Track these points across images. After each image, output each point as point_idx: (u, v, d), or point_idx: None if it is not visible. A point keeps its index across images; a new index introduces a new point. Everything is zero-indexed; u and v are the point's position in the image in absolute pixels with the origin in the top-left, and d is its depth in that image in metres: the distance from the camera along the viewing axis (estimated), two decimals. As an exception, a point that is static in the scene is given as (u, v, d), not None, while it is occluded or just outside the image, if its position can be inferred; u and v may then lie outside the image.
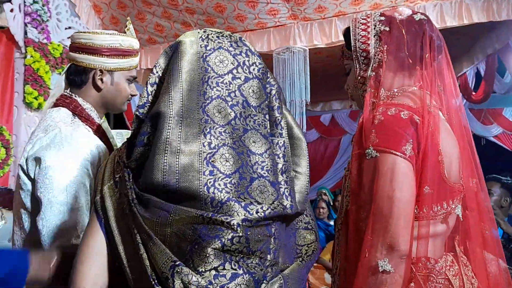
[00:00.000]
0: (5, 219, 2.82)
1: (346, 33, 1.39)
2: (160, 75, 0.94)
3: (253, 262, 0.81)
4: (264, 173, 0.86)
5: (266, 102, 0.93)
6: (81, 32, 1.52)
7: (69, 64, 1.53)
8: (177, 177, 0.82)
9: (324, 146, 8.55)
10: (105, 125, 1.53)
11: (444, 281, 1.19)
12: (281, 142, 0.92)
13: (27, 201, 1.37)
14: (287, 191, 0.87)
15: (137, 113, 0.92)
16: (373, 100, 1.27)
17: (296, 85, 4.24)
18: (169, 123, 0.85)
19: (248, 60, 0.94)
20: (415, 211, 1.16)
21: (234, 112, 0.89)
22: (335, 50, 3.78)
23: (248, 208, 0.81)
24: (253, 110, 0.91)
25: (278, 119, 0.93)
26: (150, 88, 0.93)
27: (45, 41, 3.75)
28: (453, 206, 1.23)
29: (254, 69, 0.94)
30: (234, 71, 0.92)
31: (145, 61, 4.86)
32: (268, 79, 0.95)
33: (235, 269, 0.79)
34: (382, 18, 1.33)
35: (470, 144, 1.31)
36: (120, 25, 4.46)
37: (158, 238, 0.82)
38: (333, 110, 8.05)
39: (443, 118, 1.28)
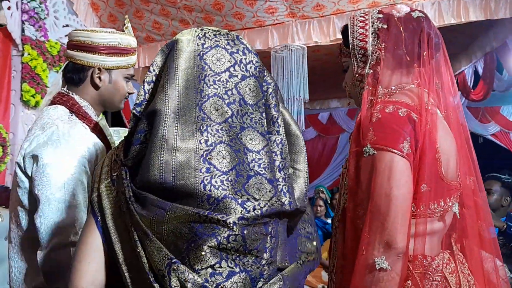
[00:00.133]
0: (1, 217, 2.82)
1: (344, 30, 1.39)
2: (157, 73, 0.94)
3: (249, 260, 0.81)
4: (261, 171, 0.86)
5: (263, 100, 0.93)
6: (79, 30, 1.51)
7: (67, 62, 1.53)
8: (173, 174, 0.82)
9: (322, 145, 8.56)
10: (103, 122, 1.53)
11: (441, 278, 1.19)
12: (278, 140, 0.92)
13: (24, 199, 1.37)
14: (285, 188, 0.87)
15: (134, 111, 0.93)
16: (371, 98, 1.28)
17: (294, 83, 4.24)
18: (165, 120, 0.85)
19: (245, 58, 0.94)
20: (412, 208, 1.17)
21: (231, 110, 0.89)
22: (333, 48, 3.79)
23: (245, 205, 0.81)
24: (250, 108, 0.91)
25: (275, 117, 0.93)
26: (147, 87, 0.94)
27: (42, 39, 3.74)
28: (450, 204, 1.24)
29: (251, 67, 0.94)
30: (231, 69, 0.92)
31: (143, 59, 4.85)
32: (265, 77, 0.95)
33: (232, 267, 0.79)
34: (380, 15, 1.33)
35: (468, 142, 1.31)
36: (118, 23, 4.45)
37: (155, 236, 0.82)
38: (331, 108, 8.06)
39: (440, 116, 1.28)
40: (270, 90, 0.95)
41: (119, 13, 4.44)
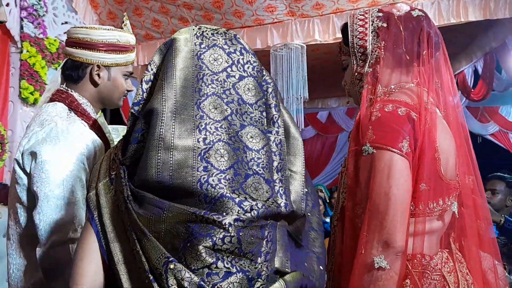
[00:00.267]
0: (0, 214, 2.81)
1: (344, 29, 1.38)
2: (155, 72, 0.94)
3: (245, 263, 0.80)
4: (260, 170, 0.85)
5: (263, 99, 0.93)
6: (78, 27, 1.51)
7: (66, 59, 1.53)
8: (170, 173, 0.82)
9: (321, 144, 8.55)
10: (101, 120, 1.53)
11: (439, 277, 1.19)
12: (277, 140, 0.91)
13: (23, 196, 1.37)
14: (281, 190, 0.87)
15: (132, 110, 0.92)
16: (370, 97, 1.27)
17: (294, 82, 4.24)
18: (162, 119, 0.84)
19: (242, 59, 0.94)
20: (411, 207, 1.16)
21: (230, 109, 0.88)
22: (332, 47, 3.78)
23: (242, 205, 0.81)
24: (250, 107, 0.90)
25: (276, 117, 0.93)
26: (145, 86, 0.93)
27: (41, 36, 3.73)
28: (449, 203, 1.24)
29: (248, 68, 0.94)
30: (229, 69, 0.92)
31: (142, 57, 4.84)
32: (263, 77, 0.95)
33: (228, 268, 0.79)
34: (380, 14, 1.33)
35: (467, 141, 1.31)
36: (117, 21, 4.44)
37: (153, 235, 0.81)
38: (330, 107, 8.05)
39: (440, 115, 1.28)
40: (270, 90, 0.94)
41: (118, 11, 4.43)
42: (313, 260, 0.94)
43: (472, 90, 5.87)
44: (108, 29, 1.49)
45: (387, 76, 1.29)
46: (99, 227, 0.89)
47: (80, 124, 1.42)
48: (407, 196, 1.14)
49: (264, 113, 0.92)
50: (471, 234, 1.29)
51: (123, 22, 1.58)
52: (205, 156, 0.83)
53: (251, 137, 0.87)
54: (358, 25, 1.34)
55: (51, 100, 1.49)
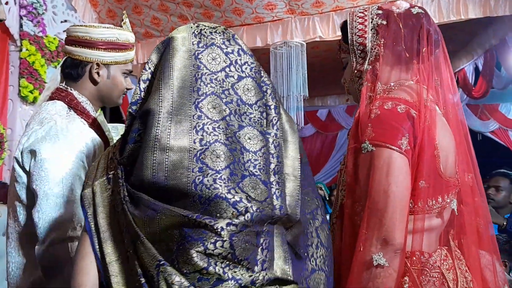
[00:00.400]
0: None
1: (344, 26, 1.38)
2: (153, 71, 0.93)
3: (240, 271, 0.78)
4: (256, 172, 0.84)
5: (263, 100, 0.92)
6: (78, 26, 1.52)
7: (65, 57, 1.53)
8: (166, 174, 0.81)
9: (321, 142, 8.54)
10: (101, 118, 1.53)
11: (438, 275, 1.19)
12: (276, 142, 0.90)
13: (22, 194, 1.37)
14: (278, 192, 0.85)
15: (130, 110, 0.92)
16: (370, 94, 1.27)
17: (294, 80, 4.23)
18: (158, 120, 0.84)
19: (240, 59, 0.93)
20: (410, 205, 1.17)
21: (229, 109, 0.88)
22: (332, 45, 3.77)
23: (236, 206, 0.79)
24: (249, 108, 0.90)
25: (275, 119, 0.92)
26: (142, 85, 0.93)
27: (40, 34, 3.72)
28: (448, 201, 1.24)
29: (246, 68, 0.93)
30: (227, 69, 0.91)
31: (141, 55, 4.83)
32: (262, 78, 0.94)
33: (220, 275, 0.77)
34: (380, 11, 1.32)
35: (466, 138, 1.31)
36: (116, 19, 4.43)
37: (147, 237, 0.81)
38: (330, 105, 8.05)
39: (439, 112, 1.28)
40: (269, 91, 0.94)
41: (117, 9, 4.42)
42: (321, 277, 0.91)
43: (473, 88, 5.86)
44: (107, 27, 1.49)
45: (387, 73, 1.29)
46: (92, 225, 0.89)
47: (79, 123, 1.42)
48: (406, 193, 1.14)
49: (264, 114, 0.91)
50: (470, 232, 1.29)
51: (123, 20, 1.59)
52: (200, 157, 0.82)
53: (249, 138, 0.87)
54: (358, 22, 1.33)
55: (51, 98, 1.49)
